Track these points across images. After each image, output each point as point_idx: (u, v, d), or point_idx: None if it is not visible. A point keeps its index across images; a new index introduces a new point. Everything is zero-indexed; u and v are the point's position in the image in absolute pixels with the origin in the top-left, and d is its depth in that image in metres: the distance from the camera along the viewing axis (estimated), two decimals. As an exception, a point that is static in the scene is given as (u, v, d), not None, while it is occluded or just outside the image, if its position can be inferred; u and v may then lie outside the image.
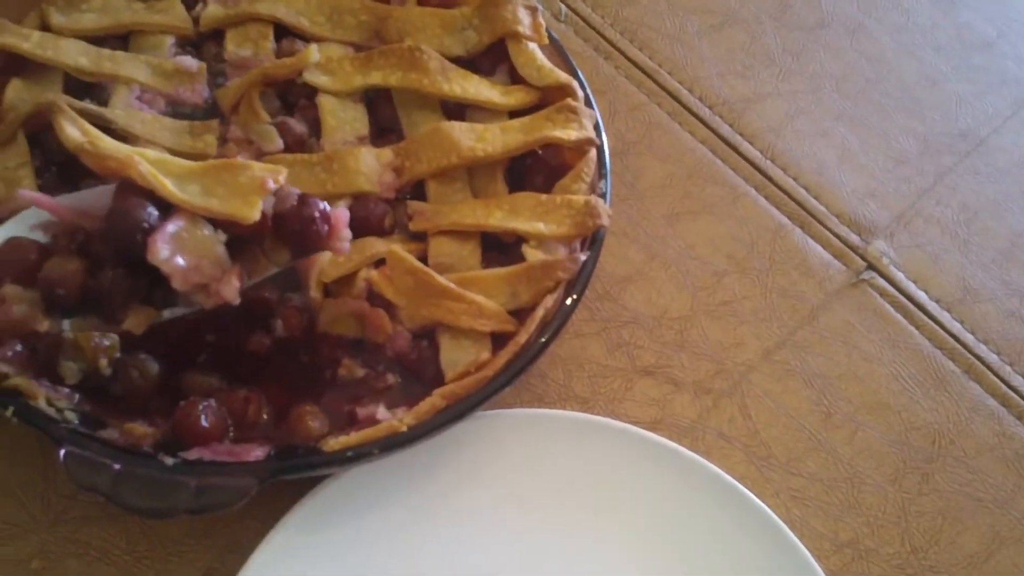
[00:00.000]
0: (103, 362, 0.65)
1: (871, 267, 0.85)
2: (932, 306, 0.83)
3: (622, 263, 0.82)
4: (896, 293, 0.84)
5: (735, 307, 0.81)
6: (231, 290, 0.62)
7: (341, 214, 0.65)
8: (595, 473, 0.70)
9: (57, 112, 0.64)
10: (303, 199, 0.64)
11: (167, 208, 0.61)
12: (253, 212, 0.61)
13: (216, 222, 0.62)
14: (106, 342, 0.66)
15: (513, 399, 0.75)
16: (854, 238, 0.86)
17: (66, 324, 0.64)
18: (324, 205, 0.64)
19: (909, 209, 0.88)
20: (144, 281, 0.61)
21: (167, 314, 0.65)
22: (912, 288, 0.84)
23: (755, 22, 0.97)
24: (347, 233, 0.65)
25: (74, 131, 0.63)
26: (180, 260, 0.59)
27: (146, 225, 0.59)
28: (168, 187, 0.61)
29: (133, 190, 0.60)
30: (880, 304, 0.83)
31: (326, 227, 0.64)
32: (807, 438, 0.76)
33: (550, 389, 0.76)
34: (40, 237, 0.65)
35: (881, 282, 0.84)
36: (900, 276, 0.84)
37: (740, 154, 0.89)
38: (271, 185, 0.61)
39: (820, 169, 0.89)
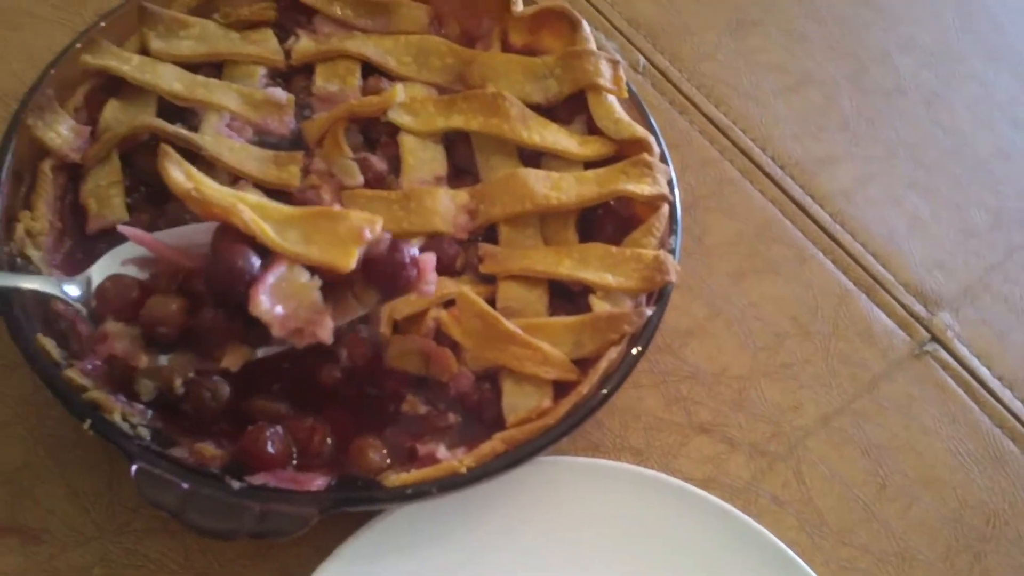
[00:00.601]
0: (177, 381, 0.67)
1: (935, 339, 0.84)
2: (994, 383, 0.83)
3: (685, 317, 0.82)
4: (959, 367, 0.83)
5: (796, 370, 0.81)
6: (326, 332, 0.64)
7: (428, 260, 0.66)
8: (647, 527, 0.71)
9: (164, 156, 0.66)
10: (394, 244, 0.65)
11: (267, 252, 0.63)
12: (350, 262, 0.63)
13: (313, 268, 0.64)
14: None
15: (569, 445, 0.75)
16: (919, 308, 0.86)
17: (163, 359, 0.66)
18: (413, 250, 0.66)
19: (977, 283, 0.88)
20: (243, 322, 0.63)
21: (261, 353, 0.66)
22: (975, 363, 0.84)
23: (832, 84, 0.98)
24: (433, 277, 0.67)
25: (179, 175, 0.66)
26: (279, 309, 0.61)
27: (248, 277, 0.62)
28: (270, 235, 0.63)
29: (234, 234, 0.62)
30: (942, 377, 0.83)
31: (415, 272, 0.65)
32: (860, 508, 0.76)
33: (606, 438, 0.76)
34: (135, 272, 0.67)
35: (944, 355, 0.84)
36: (964, 350, 0.84)
37: (809, 216, 0.89)
38: (368, 235, 0.63)
39: (889, 236, 0.89)
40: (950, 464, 0.79)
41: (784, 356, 0.82)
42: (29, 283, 0.67)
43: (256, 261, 0.62)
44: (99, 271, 0.68)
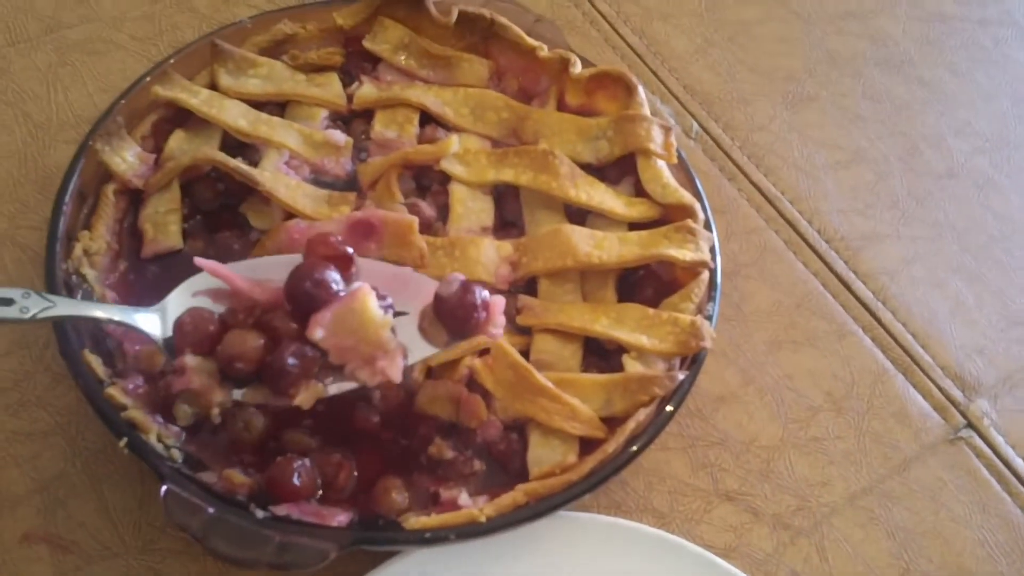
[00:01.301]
0: (215, 411, 0.69)
1: (970, 425, 0.84)
2: (1029, 476, 0.82)
3: (717, 383, 0.83)
4: (993, 456, 0.82)
5: (826, 445, 0.81)
6: (396, 370, 0.65)
7: (498, 303, 0.68)
8: (662, 591, 0.71)
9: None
10: (466, 286, 0.67)
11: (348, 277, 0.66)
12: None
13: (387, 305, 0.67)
14: (221, 396, 0.70)
15: (591, 503, 0.76)
16: (957, 393, 0.85)
17: (238, 394, 0.67)
18: (485, 293, 0.67)
19: (1017, 372, 0.87)
20: (318, 359, 0.65)
21: (333, 389, 0.67)
22: (1010, 453, 0.83)
23: (883, 163, 0.98)
24: (502, 320, 0.68)
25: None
26: (343, 340, 0.64)
27: (327, 292, 0.65)
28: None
29: (323, 249, 0.65)
30: (975, 465, 0.82)
31: (485, 314, 0.67)
32: (882, 591, 0.75)
33: (629, 498, 0.77)
34: (208, 304, 0.68)
35: (979, 442, 0.83)
36: (999, 439, 0.83)
37: (851, 292, 0.89)
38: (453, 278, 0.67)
39: (931, 318, 0.89)
40: (978, 555, 0.78)
41: (815, 430, 0.82)
42: (104, 312, 0.67)
43: (337, 281, 0.64)
44: (174, 303, 0.69)
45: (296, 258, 0.68)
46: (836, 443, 0.81)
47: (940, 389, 0.85)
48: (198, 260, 0.68)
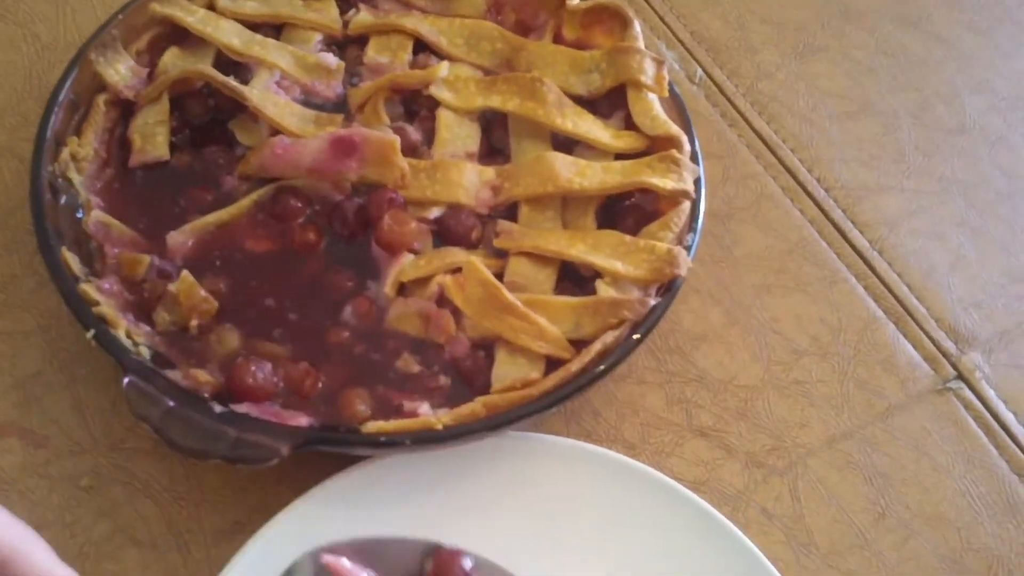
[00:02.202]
0: (194, 323, 0.71)
1: (960, 377, 0.81)
2: (1018, 429, 0.79)
3: (700, 322, 0.81)
4: (982, 408, 0.80)
5: (808, 388, 0.79)
6: None
7: None
8: (627, 518, 0.70)
9: None
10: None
11: None
12: None
13: None
14: (205, 305, 0.71)
15: (562, 429, 0.75)
16: (949, 345, 0.83)
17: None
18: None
19: (1015, 328, 0.84)
20: None
21: None
22: (1001, 407, 0.80)
23: (892, 116, 0.96)
24: None
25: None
26: None
27: None
28: None
29: None
30: (963, 416, 0.79)
31: None
32: (854, 535, 0.73)
33: (599, 427, 0.76)
34: None
35: (968, 394, 0.81)
36: (990, 393, 0.81)
37: (847, 240, 0.88)
38: None
39: (928, 271, 0.87)
40: (958, 504, 0.75)
41: (798, 373, 0.80)
42: None
43: None
44: None
45: (413, 546, 0.64)
46: (818, 387, 0.80)
47: (932, 340, 0.83)
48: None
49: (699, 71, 0.97)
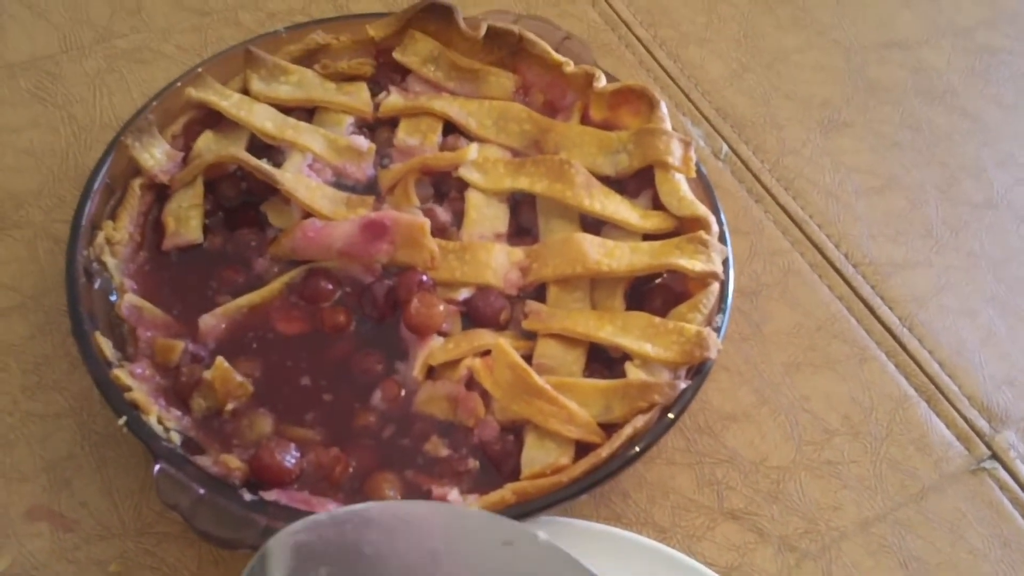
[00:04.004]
0: (229, 407, 0.72)
1: (995, 457, 0.80)
2: (1056, 512, 0.78)
3: (730, 401, 0.81)
4: (1017, 489, 0.79)
5: (840, 469, 0.79)
6: None
7: None
8: (656, 605, 0.69)
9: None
10: None
11: None
12: None
13: None
14: (240, 390, 0.72)
15: (591, 512, 0.75)
16: (982, 424, 0.82)
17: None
18: None
19: (1050, 407, 0.83)
20: None
21: None
22: (1037, 489, 0.79)
23: (919, 191, 0.96)
24: None
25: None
26: None
27: None
28: None
29: None
30: (998, 497, 0.78)
31: None
32: (891, 622, 0.72)
33: (629, 510, 0.75)
34: None
35: (1003, 475, 0.79)
36: (1026, 473, 0.80)
37: (877, 317, 0.87)
38: None
39: (959, 348, 0.86)
40: (996, 589, 0.74)
41: (830, 453, 0.79)
42: None
43: None
44: None
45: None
46: (851, 467, 0.79)
47: (965, 419, 0.82)
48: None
49: (725, 147, 0.98)
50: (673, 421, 0.71)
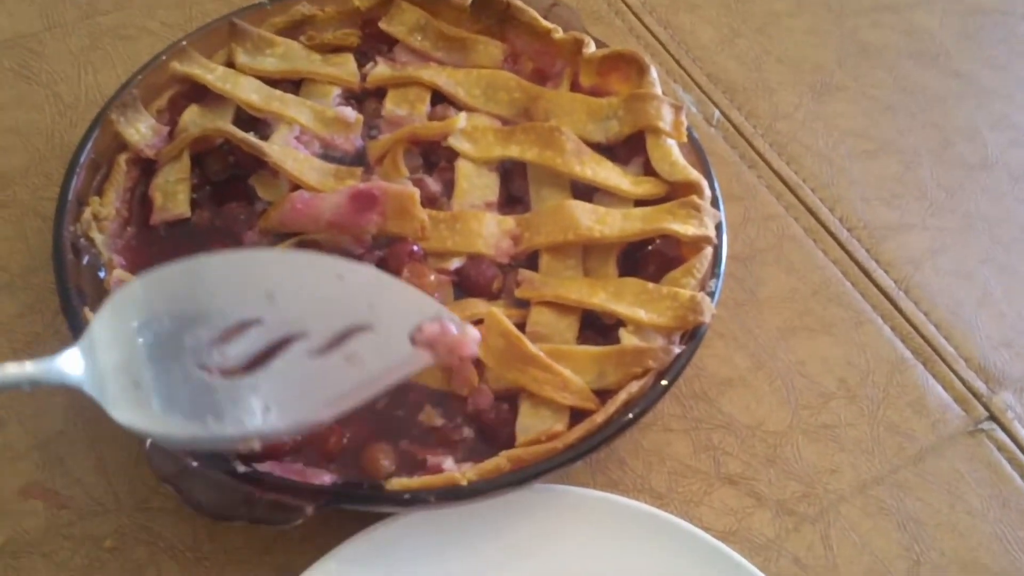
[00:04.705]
0: None
1: (993, 418, 0.80)
2: (1055, 471, 0.78)
3: (726, 366, 0.81)
4: (1016, 449, 0.78)
5: (837, 432, 0.78)
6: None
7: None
8: (654, 571, 0.68)
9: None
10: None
11: None
12: None
13: None
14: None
15: (588, 480, 0.74)
16: (980, 385, 0.82)
17: None
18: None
19: (1048, 366, 0.83)
20: None
21: None
22: (1036, 448, 0.79)
23: (912, 154, 0.96)
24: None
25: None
26: None
27: None
28: None
29: None
30: (996, 458, 0.78)
31: None
32: (890, 583, 0.72)
33: (627, 477, 0.75)
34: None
35: (1001, 435, 0.79)
36: (1024, 433, 0.79)
37: (872, 280, 0.87)
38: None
39: (955, 309, 0.86)
40: (994, 549, 0.74)
41: (826, 417, 0.79)
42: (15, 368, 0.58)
43: None
44: (104, 333, 0.61)
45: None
46: (848, 430, 0.78)
47: (962, 380, 0.82)
48: None
49: (716, 113, 0.97)
50: (668, 386, 0.70)
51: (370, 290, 0.65)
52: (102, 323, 0.61)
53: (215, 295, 0.63)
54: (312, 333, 0.63)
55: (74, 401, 0.74)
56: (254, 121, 0.83)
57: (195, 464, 0.64)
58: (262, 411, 0.61)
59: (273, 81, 0.85)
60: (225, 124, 0.81)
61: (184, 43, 0.85)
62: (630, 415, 0.69)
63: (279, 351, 0.63)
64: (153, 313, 0.62)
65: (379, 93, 0.87)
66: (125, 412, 0.60)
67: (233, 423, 0.61)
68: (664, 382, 0.70)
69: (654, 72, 0.84)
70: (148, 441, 0.65)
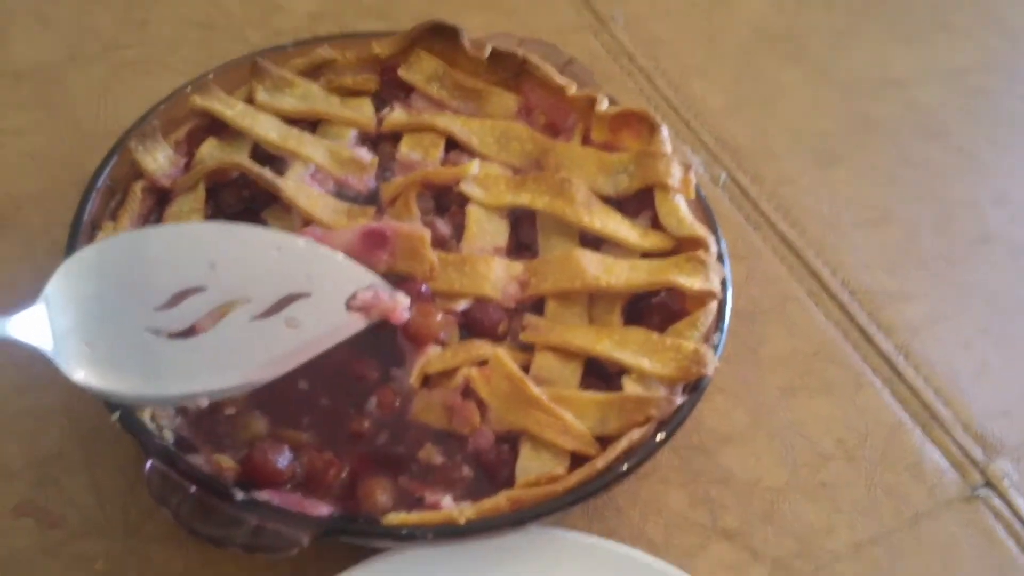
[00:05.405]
0: (230, 410, 0.71)
1: (989, 485, 0.80)
2: (1050, 541, 0.78)
3: (725, 422, 0.81)
4: (1011, 517, 0.78)
5: (834, 492, 0.78)
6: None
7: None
8: (648, 621, 0.68)
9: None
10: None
11: None
12: None
13: None
14: (238, 394, 0.71)
15: (584, 526, 0.74)
16: (977, 452, 0.82)
17: None
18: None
19: (1044, 437, 0.84)
20: None
21: None
22: (1032, 518, 0.79)
23: (914, 224, 0.97)
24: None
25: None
26: None
27: None
28: None
29: None
30: (991, 525, 0.78)
31: None
32: (883, 646, 0.72)
33: (622, 525, 0.75)
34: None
35: (997, 502, 0.79)
36: (1020, 501, 0.79)
37: (872, 344, 0.88)
38: None
39: (954, 377, 0.86)
40: (989, 618, 0.74)
41: (824, 476, 0.79)
42: None
43: None
44: (58, 293, 0.64)
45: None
46: (844, 491, 0.79)
47: (959, 446, 0.82)
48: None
49: (723, 175, 0.99)
50: (669, 436, 0.70)
51: (308, 260, 0.71)
52: (56, 287, 0.64)
53: (162, 263, 0.68)
54: (253, 299, 0.68)
55: (73, 423, 0.75)
56: (270, 157, 0.85)
57: (193, 489, 0.64)
58: (207, 371, 0.65)
59: (291, 120, 0.87)
60: (242, 158, 0.83)
61: (211, 76, 0.86)
62: (630, 463, 0.69)
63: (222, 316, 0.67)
64: (104, 278, 0.66)
65: (394, 137, 0.89)
66: (79, 372, 0.63)
67: (181, 382, 0.65)
68: (663, 434, 0.70)
69: (665, 130, 0.86)
70: (148, 464, 0.65)
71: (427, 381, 0.74)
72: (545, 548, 0.69)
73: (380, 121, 0.89)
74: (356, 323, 0.70)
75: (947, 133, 1.06)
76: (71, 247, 0.75)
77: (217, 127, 0.85)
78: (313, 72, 0.91)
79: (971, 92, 1.11)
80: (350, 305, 0.70)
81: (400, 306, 0.71)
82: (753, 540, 0.75)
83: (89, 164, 0.89)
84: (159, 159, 0.82)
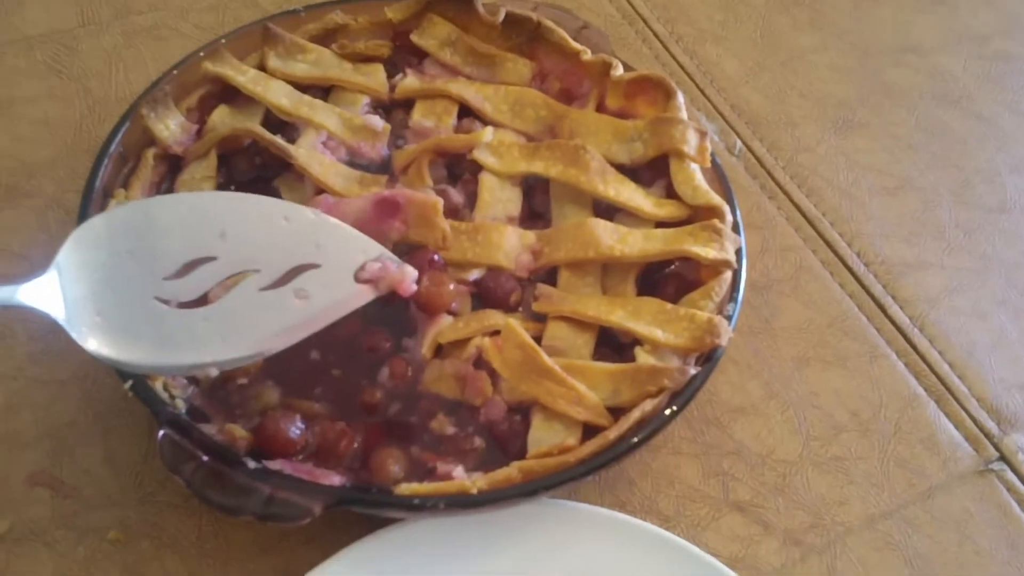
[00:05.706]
0: (243, 380, 0.71)
1: (1003, 459, 0.80)
2: (1064, 515, 0.77)
3: (738, 394, 0.81)
4: (1025, 492, 0.78)
5: (847, 465, 0.78)
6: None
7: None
8: (658, 592, 0.68)
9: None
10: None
11: None
12: None
13: None
14: (248, 363, 0.71)
15: (596, 498, 0.74)
16: (991, 425, 0.81)
17: None
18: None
19: (1060, 410, 0.83)
20: None
21: None
22: (1046, 492, 0.78)
23: (932, 193, 0.96)
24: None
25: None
26: None
27: None
28: None
29: None
30: (1005, 499, 0.78)
31: None
32: (895, 618, 0.72)
33: (634, 498, 0.75)
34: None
35: (1011, 476, 0.79)
36: (1035, 476, 0.79)
37: (887, 316, 0.87)
38: None
39: (970, 349, 0.86)
40: (1001, 590, 0.73)
41: (837, 449, 0.79)
42: None
43: None
44: (70, 261, 0.64)
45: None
46: (858, 464, 0.78)
47: (974, 420, 0.82)
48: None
49: (739, 143, 0.97)
50: (682, 407, 0.70)
51: (317, 231, 0.70)
52: (67, 256, 0.64)
53: (172, 233, 0.67)
54: (263, 269, 0.68)
55: (87, 393, 0.75)
56: (282, 124, 0.84)
57: (206, 459, 0.64)
58: (217, 340, 0.65)
59: (303, 87, 0.86)
60: (254, 125, 0.82)
61: (222, 42, 0.85)
62: (642, 434, 0.68)
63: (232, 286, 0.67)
64: (114, 248, 0.66)
65: (407, 104, 0.88)
66: (91, 340, 0.63)
67: (191, 351, 0.65)
68: (676, 406, 0.70)
69: (680, 97, 0.85)
70: (160, 433, 0.65)
71: (439, 351, 0.74)
72: (556, 519, 0.69)
73: (393, 88, 0.88)
74: (364, 295, 0.70)
75: (968, 99, 1.05)
76: (83, 215, 0.75)
77: (229, 93, 0.85)
78: (325, 38, 0.90)
79: (993, 58, 1.09)
80: (358, 277, 0.70)
81: (408, 278, 0.71)
82: (765, 512, 0.75)
83: (101, 131, 0.89)
84: (171, 126, 0.81)
